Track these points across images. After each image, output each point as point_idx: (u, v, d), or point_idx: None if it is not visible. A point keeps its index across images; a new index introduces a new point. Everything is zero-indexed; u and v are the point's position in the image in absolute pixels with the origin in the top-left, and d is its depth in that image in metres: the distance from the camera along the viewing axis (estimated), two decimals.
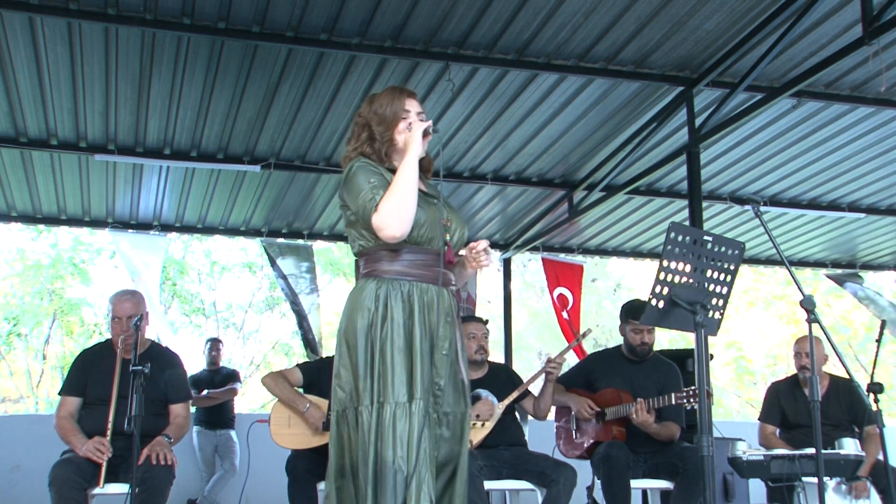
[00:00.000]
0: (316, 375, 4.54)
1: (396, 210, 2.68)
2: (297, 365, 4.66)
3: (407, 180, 2.71)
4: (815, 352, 3.53)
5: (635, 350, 4.86)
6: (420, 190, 2.80)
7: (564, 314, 8.70)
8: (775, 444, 5.25)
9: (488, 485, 4.47)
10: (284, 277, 8.43)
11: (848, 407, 5.25)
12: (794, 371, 5.47)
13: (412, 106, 2.91)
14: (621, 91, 5.97)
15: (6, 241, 15.80)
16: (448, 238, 2.79)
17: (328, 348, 9.21)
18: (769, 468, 4.25)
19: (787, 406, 5.40)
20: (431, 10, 4.92)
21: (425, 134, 2.81)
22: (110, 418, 3.99)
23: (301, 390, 4.53)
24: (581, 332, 5.08)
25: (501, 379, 4.89)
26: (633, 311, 4.88)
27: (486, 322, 5.04)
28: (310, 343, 8.52)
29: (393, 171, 2.82)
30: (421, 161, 2.88)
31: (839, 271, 9.84)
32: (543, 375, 4.73)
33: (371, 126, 2.89)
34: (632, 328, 4.88)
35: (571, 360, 7.27)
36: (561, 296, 8.77)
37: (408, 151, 2.77)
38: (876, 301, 9.80)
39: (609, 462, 4.47)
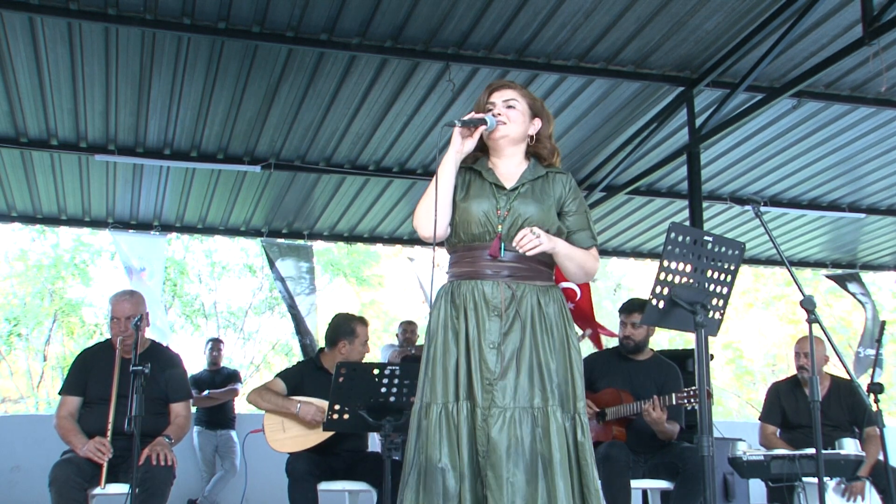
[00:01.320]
0: (298, 378, 4.54)
1: (422, 213, 2.70)
2: (277, 374, 4.67)
3: (436, 182, 2.69)
4: (815, 352, 3.53)
5: (622, 344, 4.87)
6: (495, 184, 2.76)
7: (570, 305, 8.68)
8: (776, 444, 5.25)
9: None
10: (283, 280, 8.43)
11: (849, 407, 5.24)
12: (795, 371, 5.47)
13: (500, 96, 2.81)
14: (621, 91, 5.97)
15: (7, 242, 15.81)
16: (500, 229, 2.71)
17: None
18: (769, 468, 4.25)
19: (787, 406, 5.40)
20: (431, 10, 4.92)
21: (475, 125, 2.71)
22: (110, 418, 3.98)
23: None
24: (580, 333, 5.05)
25: None
26: (622, 306, 4.91)
27: None
28: (306, 348, 8.52)
29: (481, 168, 2.80)
30: (536, 147, 2.86)
31: (839, 271, 9.84)
32: None
33: None
34: (620, 322, 4.90)
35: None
36: (565, 290, 8.75)
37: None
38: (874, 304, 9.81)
39: (609, 462, 4.47)
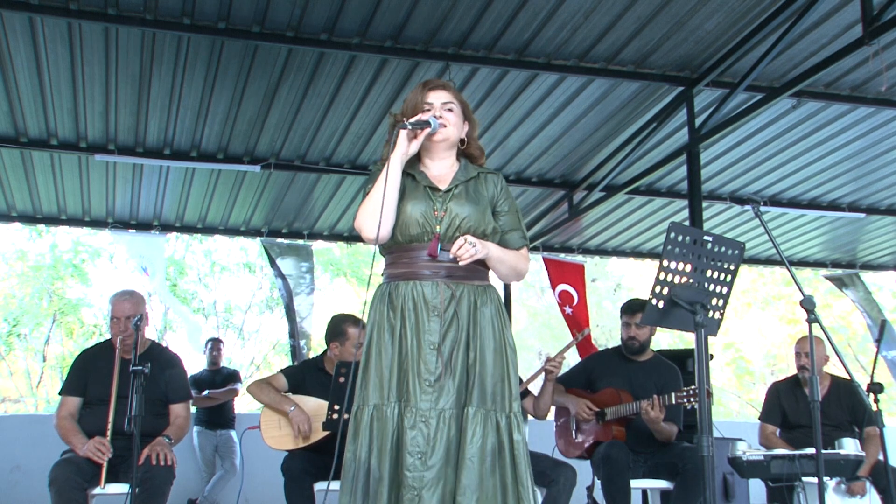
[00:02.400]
0: (300, 377, 4.55)
1: (367, 214, 2.69)
2: (281, 370, 4.68)
3: (379, 183, 2.68)
4: (815, 352, 3.53)
5: (626, 345, 4.87)
6: (431, 186, 2.77)
7: (568, 309, 8.69)
8: (776, 443, 5.25)
9: None
10: (283, 277, 8.43)
11: (849, 407, 5.24)
12: (794, 371, 5.47)
13: (436, 97, 2.82)
14: (621, 91, 5.97)
15: (6, 242, 15.80)
16: (438, 230, 2.72)
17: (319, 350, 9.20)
18: (769, 468, 4.26)
19: (787, 406, 5.40)
20: (431, 10, 4.92)
21: (421, 128, 2.71)
22: (110, 418, 3.99)
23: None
24: (582, 332, 5.05)
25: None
26: (624, 307, 4.91)
27: None
28: (296, 351, 8.53)
29: (413, 171, 2.80)
30: (468, 149, 2.88)
31: (839, 271, 9.84)
32: (543, 375, 4.73)
33: (398, 123, 2.84)
34: (622, 323, 4.90)
35: (572, 359, 7.27)
36: (564, 292, 8.76)
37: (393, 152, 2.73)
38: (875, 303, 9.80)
39: (609, 462, 4.47)
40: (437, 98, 2.82)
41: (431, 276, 2.72)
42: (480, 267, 2.79)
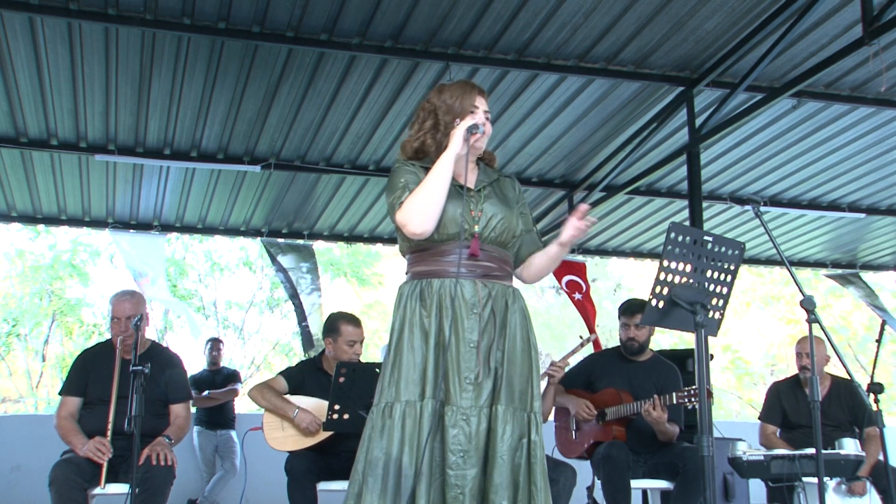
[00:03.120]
0: (299, 378, 4.54)
1: (419, 206, 2.67)
2: (280, 373, 4.66)
3: (436, 179, 2.68)
4: (816, 352, 3.53)
5: (625, 346, 4.87)
6: (459, 185, 2.77)
7: (577, 296, 8.70)
8: (776, 444, 5.25)
9: None
10: (285, 271, 8.42)
11: (849, 408, 5.24)
12: (794, 371, 5.47)
13: (481, 103, 2.87)
14: (621, 91, 5.97)
15: (5, 242, 15.81)
16: (477, 229, 2.73)
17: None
18: (769, 468, 4.25)
19: (788, 406, 5.40)
20: (431, 10, 4.92)
21: (472, 132, 2.76)
22: (110, 418, 3.98)
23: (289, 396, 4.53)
24: (586, 337, 5.03)
25: None
26: (622, 307, 4.90)
27: None
28: (309, 336, 8.47)
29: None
30: (484, 154, 2.93)
31: (839, 271, 9.84)
32: (546, 378, 4.72)
33: (438, 115, 2.85)
34: (621, 323, 4.89)
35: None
36: (571, 282, 8.77)
37: (447, 149, 2.73)
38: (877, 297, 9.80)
39: (609, 462, 4.47)
40: (482, 105, 2.88)
41: (469, 275, 2.72)
42: (508, 268, 2.83)
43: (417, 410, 2.61)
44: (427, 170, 2.75)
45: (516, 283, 2.91)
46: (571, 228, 2.76)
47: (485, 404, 2.63)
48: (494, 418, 2.63)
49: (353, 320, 4.58)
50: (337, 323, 4.55)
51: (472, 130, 2.74)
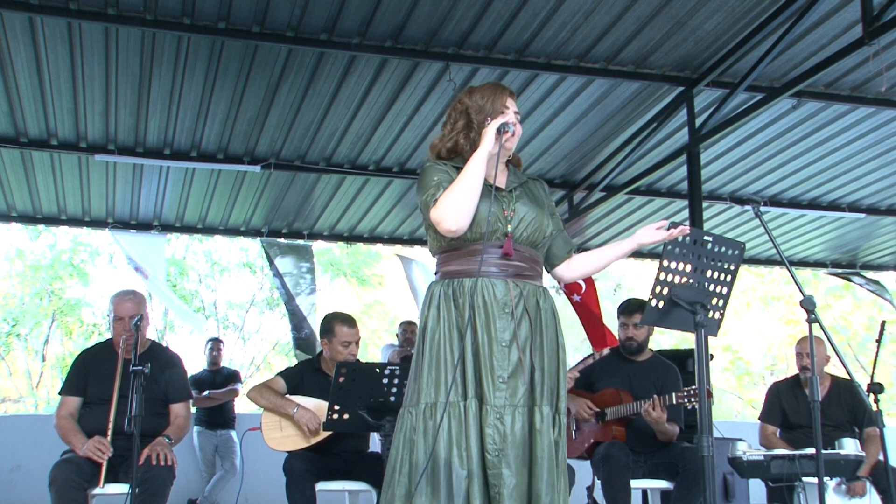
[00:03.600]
0: (298, 378, 4.53)
1: (454, 204, 2.67)
2: (278, 373, 4.66)
3: (471, 175, 2.69)
4: (816, 352, 3.53)
5: (624, 346, 4.87)
6: (490, 185, 2.78)
7: (576, 297, 8.68)
8: (776, 444, 5.25)
9: None
10: (280, 276, 8.43)
11: (849, 408, 5.24)
12: (794, 371, 5.47)
13: (511, 104, 2.89)
14: (621, 91, 5.97)
15: (5, 242, 15.81)
16: (509, 229, 2.74)
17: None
18: (769, 468, 4.25)
19: (788, 406, 5.40)
20: (431, 10, 4.92)
21: (502, 131, 2.76)
22: (111, 418, 3.98)
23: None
24: (601, 351, 4.99)
25: None
26: (621, 307, 4.90)
27: None
28: (304, 342, 8.49)
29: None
30: (511, 157, 2.93)
31: (839, 271, 9.84)
32: None
33: (471, 115, 2.86)
34: (620, 323, 4.89)
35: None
36: (570, 284, 8.75)
37: (479, 146, 2.74)
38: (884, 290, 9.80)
39: (609, 462, 4.47)
40: (512, 106, 2.89)
41: (501, 275, 2.73)
42: (539, 268, 2.85)
43: (461, 410, 2.61)
44: (458, 169, 2.76)
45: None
46: (653, 235, 2.84)
47: (521, 403, 2.64)
48: (538, 419, 2.65)
49: (348, 321, 4.56)
50: (332, 323, 4.54)
51: (503, 129, 2.75)
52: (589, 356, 4.92)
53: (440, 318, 2.72)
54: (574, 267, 2.97)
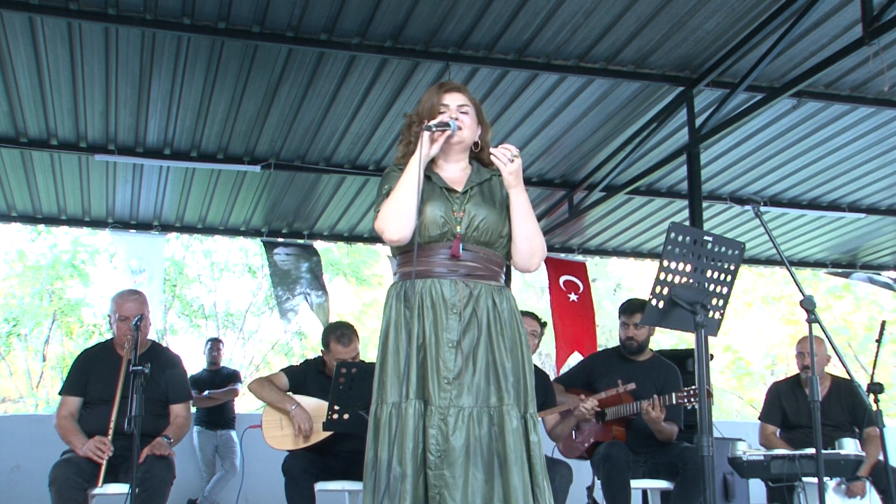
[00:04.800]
0: (301, 377, 4.54)
1: (392, 214, 2.70)
2: (283, 370, 4.66)
3: (405, 184, 2.70)
4: (816, 352, 3.53)
5: (624, 345, 4.87)
6: (447, 188, 2.78)
7: (573, 296, 8.66)
8: (776, 444, 5.25)
9: None
10: (279, 276, 8.41)
11: (849, 408, 5.24)
12: (794, 371, 5.47)
13: (453, 99, 2.84)
14: (621, 91, 5.97)
15: (5, 242, 15.80)
16: (458, 230, 2.74)
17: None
18: (769, 468, 4.25)
19: (788, 406, 5.40)
20: (431, 10, 4.92)
21: (437, 130, 2.73)
22: (113, 418, 3.98)
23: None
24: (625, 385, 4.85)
25: (537, 387, 4.78)
26: (622, 307, 4.91)
27: (544, 323, 5.01)
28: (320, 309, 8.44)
29: (429, 173, 2.81)
30: (480, 153, 2.90)
31: (839, 271, 9.84)
32: (574, 411, 4.65)
33: (413, 124, 2.85)
34: (620, 323, 4.90)
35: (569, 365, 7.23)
36: (568, 281, 8.74)
37: (414, 153, 2.74)
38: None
39: (609, 462, 4.47)
40: (453, 100, 2.84)
41: (450, 275, 2.73)
42: (496, 268, 2.82)
43: (402, 411, 2.62)
44: None
45: (517, 283, 2.91)
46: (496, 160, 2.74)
47: (470, 404, 2.63)
48: (506, 419, 2.62)
49: (344, 338, 4.50)
50: (328, 339, 4.53)
51: (430, 129, 2.71)
52: (613, 388, 4.74)
53: (392, 320, 2.75)
54: (518, 254, 2.83)
